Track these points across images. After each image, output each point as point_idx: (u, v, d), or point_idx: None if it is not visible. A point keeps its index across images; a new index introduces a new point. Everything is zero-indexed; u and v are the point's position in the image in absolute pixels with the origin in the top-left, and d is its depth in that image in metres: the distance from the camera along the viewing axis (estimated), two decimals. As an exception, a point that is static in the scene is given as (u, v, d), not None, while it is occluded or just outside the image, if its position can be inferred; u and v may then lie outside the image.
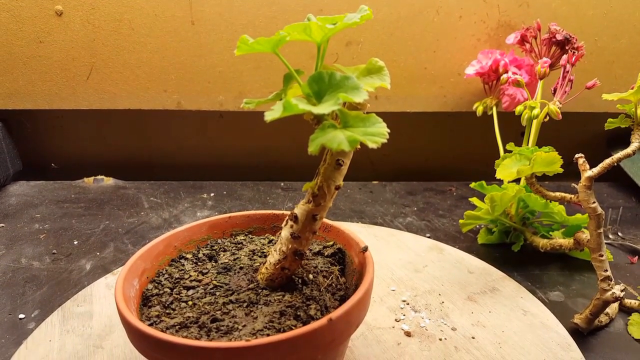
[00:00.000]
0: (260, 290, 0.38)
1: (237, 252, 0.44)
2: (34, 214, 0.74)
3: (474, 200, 0.68)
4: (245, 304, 0.36)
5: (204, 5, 0.78)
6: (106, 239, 0.67)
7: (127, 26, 0.78)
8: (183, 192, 0.83)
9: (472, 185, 0.67)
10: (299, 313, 0.35)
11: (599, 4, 0.82)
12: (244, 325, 0.34)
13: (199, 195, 0.82)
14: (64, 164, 0.92)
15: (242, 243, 0.46)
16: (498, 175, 0.52)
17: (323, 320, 0.31)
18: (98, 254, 0.64)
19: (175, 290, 0.39)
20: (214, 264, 0.42)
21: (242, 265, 0.41)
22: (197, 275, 0.40)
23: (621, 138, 0.49)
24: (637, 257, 0.67)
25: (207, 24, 0.79)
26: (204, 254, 0.44)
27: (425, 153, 0.97)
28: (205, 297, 0.37)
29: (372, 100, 0.86)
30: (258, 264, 0.41)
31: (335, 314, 0.32)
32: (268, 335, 0.32)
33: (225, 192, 0.84)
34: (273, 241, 0.46)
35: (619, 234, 0.73)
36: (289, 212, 0.39)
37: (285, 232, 0.37)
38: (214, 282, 0.39)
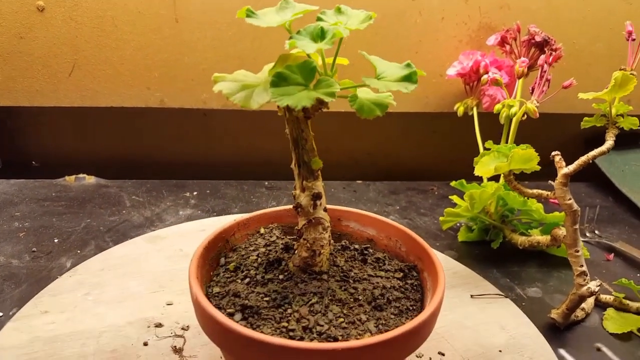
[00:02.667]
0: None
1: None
2: (13, 212, 0.73)
3: (454, 198, 0.69)
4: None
5: (188, 3, 0.78)
6: (87, 237, 0.67)
7: (110, 23, 0.78)
8: (165, 190, 0.83)
9: (453, 183, 0.68)
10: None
11: (577, 8, 0.84)
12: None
13: (182, 193, 0.82)
14: (45, 162, 0.91)
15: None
16: (477, 172, 0.53)
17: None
18: (79, 252, 0.63)
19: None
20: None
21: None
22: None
23: (598, 140, 0.50)
24: (613, 254, 0.68)
25: (191, 22, 0.79)
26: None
27: (408, 153, 0.98)
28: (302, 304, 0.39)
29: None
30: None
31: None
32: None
33: (208, 191, 0.83)
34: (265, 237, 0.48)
35: (596, 232, 0.74)
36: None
37: (321, 214, 0.41)
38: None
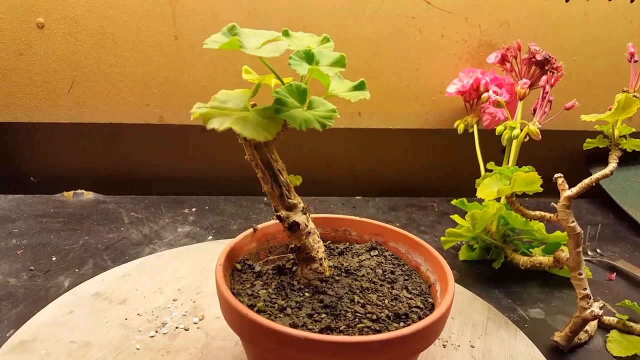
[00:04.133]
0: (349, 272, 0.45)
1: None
2: (11, 228, 0.72)
3: (456, 217, 0.68)
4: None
5: (187, 20, 0.78)
6: (85, 255, 0.66)
7: (110, 40, 0.78)
8: (164, 207, 0.82)
9: (454, 202, 0.67)
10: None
11: (577, 25, 0.84)
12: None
13: (180, 210, 0.81)
14: (43, 177, 0.91)
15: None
16: (479, 195, 0.52)
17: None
18: (77, 270, 0.62)
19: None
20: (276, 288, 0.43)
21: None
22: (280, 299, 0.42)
23: (599, 156, 0.50)
24: (615, 273, 0.68)
25: (191, 39, 0.79)
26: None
27: (408, 169, 0.97)
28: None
29: (355, 117, 0.86)
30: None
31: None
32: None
33: (207, 207, 0.83)
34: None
35: (598, 250, 0.74)
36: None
37: (312, 224, 0.42)
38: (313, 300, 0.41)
